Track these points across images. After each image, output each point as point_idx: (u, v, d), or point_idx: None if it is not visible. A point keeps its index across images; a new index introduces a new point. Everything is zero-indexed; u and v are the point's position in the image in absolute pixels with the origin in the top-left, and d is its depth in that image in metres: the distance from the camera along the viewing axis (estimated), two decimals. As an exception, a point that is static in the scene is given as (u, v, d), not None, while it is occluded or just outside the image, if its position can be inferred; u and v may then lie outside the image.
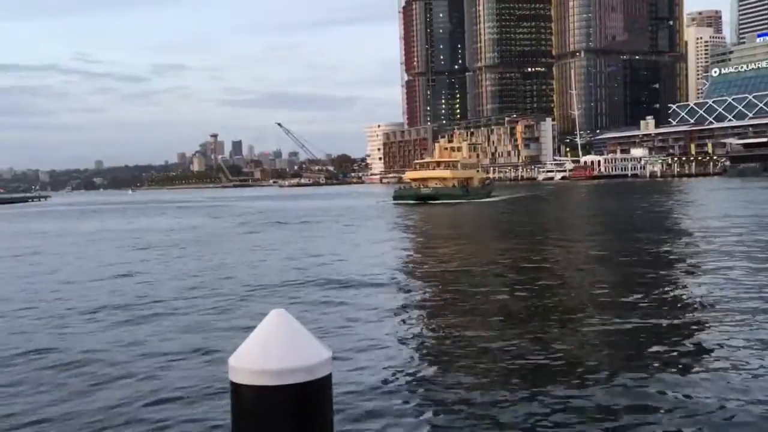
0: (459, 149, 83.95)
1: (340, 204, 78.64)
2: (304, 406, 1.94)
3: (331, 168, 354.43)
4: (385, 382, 9.11)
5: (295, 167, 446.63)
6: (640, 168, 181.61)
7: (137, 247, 31.27)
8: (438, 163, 78.51)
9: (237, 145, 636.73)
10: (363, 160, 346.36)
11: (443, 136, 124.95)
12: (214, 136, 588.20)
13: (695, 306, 13.58)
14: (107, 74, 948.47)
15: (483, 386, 8.84)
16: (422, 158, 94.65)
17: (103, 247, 31.94)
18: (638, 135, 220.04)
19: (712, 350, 10.25)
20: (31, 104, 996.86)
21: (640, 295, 14.90)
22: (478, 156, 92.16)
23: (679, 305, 13.93)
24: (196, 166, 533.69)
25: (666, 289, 15.89)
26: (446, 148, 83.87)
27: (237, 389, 1.96)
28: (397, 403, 8.29)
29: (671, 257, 21.80)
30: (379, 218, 49.51)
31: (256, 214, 62.71)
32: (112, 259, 26.08)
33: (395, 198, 75.02)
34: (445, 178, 74.29)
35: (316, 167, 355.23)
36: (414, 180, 78.99)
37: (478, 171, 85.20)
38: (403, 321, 13.20)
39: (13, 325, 13.63)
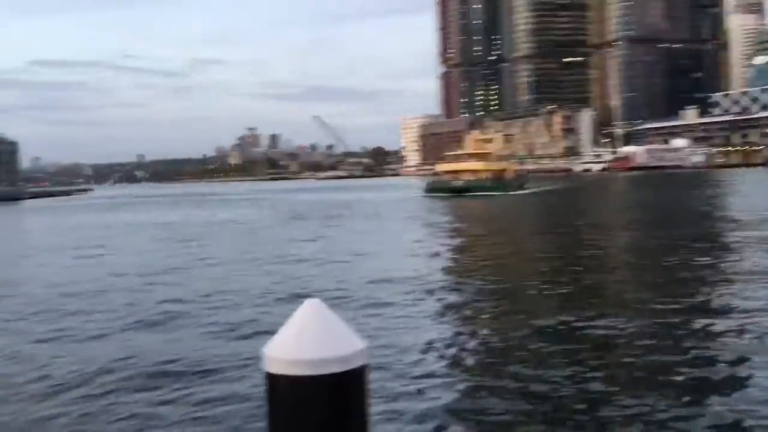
0: (492, 141, 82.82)
1: (373, 197, 78.97)
2: (339, 397, 1.94)
3: (367, 160, 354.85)
4: (417, 377, 9.24)
5: (332, 160, 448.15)
6: (682, 159, 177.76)
7: (174, 239, 31.91)
8: (470, 155, 77.58)
9: (274, 139, 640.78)
10: (398, 152, 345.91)
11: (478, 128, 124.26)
12: (252, 129, 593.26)
13: (734, 310, 13.39)
14: (148, 70, 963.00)
15: (514, 390, 8.92)
16: (458, 150, 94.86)
17: (140, 240, 32.69)
18: (680, 125, 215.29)
19: (744, 357, 10.17)
20: (75, 99, 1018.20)
21: (678, 298, 14.76)
22: (511, 148, 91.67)
23: (719, 310, 13.78)
24: (234, 159, 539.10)
25: (706, 291, 15.67)
26: (479, 140, 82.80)
27: (271, 379, 1.97)
28: (430, 402, 8.42)
29: (713, 257, 21.41)
30: (409, 211, 49.49)
31: (292, 205, 63.38)
32: (148, 253, 26.67)
33: (427, 191, 74.21)
34: (477, 171, 73.27)
35: (352, 160, 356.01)
36: (446, 172, 78.24)
37: (511, 163, 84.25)
38: (434, 316, 13.31)
39: (55, 318, 14.12)
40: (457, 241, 28.87)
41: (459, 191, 69.31)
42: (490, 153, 77.33)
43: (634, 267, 18.95)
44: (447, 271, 19.82)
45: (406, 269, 19.07)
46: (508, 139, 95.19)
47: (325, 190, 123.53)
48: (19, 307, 15.39)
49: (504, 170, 77.87)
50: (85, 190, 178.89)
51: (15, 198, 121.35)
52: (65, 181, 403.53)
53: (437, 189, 73.28)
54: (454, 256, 24.11)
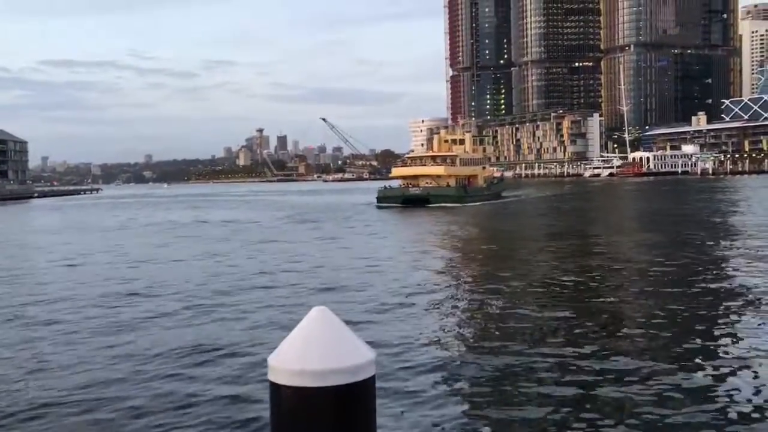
0: (461, 142, 71.68)
1: (346, 199, 76.09)
2: (346, 409, 1.88)
3: (374, 163, 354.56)
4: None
5: (339, 162, 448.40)
6: (691, 165, 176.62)
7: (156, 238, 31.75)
8: (433, 158, 65.84)
9: (282, 140, 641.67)
10: (407, 155, 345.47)
11: (484, 132, 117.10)
12: (260, 130, 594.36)
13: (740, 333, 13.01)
14: (159, 70, 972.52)
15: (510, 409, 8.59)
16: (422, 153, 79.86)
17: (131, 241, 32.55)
18: (689, 131, 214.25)
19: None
20: (84, 99, 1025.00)
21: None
22: (484, 150, 77.77)
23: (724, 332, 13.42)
24: (242, 161, 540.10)
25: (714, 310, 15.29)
26: (446, 141, 71.32)
27: (276, 389, 1.91)
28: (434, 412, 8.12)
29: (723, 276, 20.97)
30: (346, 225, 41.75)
31: (291, 208, 63.24)
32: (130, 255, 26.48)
33: (379, 200, 61.70)
34: (439, 176, 62.04)
35: (360, 162, 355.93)
36: (402, 178, 65.64)
37: (484, 168, 72.88)
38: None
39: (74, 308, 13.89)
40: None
41: (415, 201, 58.48)
42: (456, 156, 65.59)
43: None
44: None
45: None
46: (480, 140, 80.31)
47: (317, 193, 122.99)
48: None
49: (474, 176, 67.12)
50: (93, 190, 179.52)
51: (24, 197, 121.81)
52: (73, 180, 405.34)
53: (389, 198, 61.25)
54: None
